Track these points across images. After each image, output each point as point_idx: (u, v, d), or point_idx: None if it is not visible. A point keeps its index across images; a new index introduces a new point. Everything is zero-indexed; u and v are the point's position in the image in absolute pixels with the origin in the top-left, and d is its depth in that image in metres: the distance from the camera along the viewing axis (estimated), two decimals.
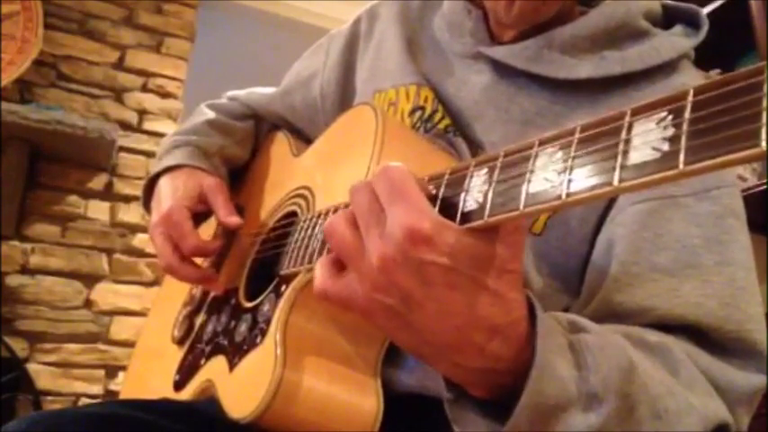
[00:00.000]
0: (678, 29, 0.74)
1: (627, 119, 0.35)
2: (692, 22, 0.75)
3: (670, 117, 0.32)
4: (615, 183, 0.34)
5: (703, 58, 0.83)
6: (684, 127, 0.31)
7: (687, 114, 0.31)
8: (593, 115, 0.37)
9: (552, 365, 0.44)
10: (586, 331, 0.49)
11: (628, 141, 0.34)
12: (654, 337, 0.57)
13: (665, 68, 0.71)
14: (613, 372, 0.47)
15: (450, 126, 0.75)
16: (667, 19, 0.76)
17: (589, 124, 0.37)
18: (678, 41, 0.72)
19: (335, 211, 0.64)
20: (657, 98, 0.34)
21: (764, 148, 0.27)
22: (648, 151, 0.32)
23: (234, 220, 0.85)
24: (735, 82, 0.30)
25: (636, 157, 0.33)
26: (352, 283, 0.46)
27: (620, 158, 0.34)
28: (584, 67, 0.71)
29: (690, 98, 0.32)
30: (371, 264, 0.43)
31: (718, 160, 0.29)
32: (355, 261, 0.45)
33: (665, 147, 0.31)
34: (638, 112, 0.34)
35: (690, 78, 0.72)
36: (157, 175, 0.91)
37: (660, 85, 0.70)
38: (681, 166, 0.30)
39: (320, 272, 0.49)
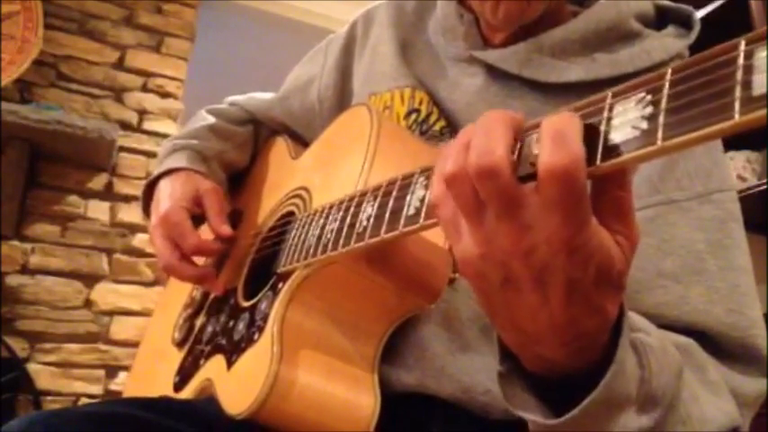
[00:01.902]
0: (670, 30, 0.74)
1: (608, 100, 0.35)
2: (684, 23, 0.74)
3: (648, 96, 0.33)
4: (597, 162, 0.34)
5: None
6: (662, 104, 0.31)
7: (665, 92, 0.32)
8: None
9: (624, 364, 0.42)
10: (644, 331, 0.48)
11: (609, 121, 0.35)
12: (680, 338, 0.57)
13: (656, 70, 0.70)
14: (672, 378, 0.47)
15: (445, 128, 0.76)
16: (660, 19, 0.76)
17: (572, 108, 0.38)
18: (669, 43, 0.72)
19: (331, 208, 0.64)
20: (638, 80, 0.34)
21: (738, 120, 0.27)
22: (628, 130, 0.33)
23: (224, 229, 0.85)
24: (711, 58, 0.30)
25: (616, 137, 0.34)
26: (465, 235, 0.40)
27: (601, 138, 0.34)
28: (575, 71, 0.71)
29: (668, 77, 0.32)
30: (500, 243, 0.38)
31: (695, 135, 0.29)
32: (476, 223, 0.39)
33: (644, 125, 0.32)
34: (618, 94, 0.35)
35: None
36: (157, 179, 0.92)
37: None
38: (659, 142, 0.31)
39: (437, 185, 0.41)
